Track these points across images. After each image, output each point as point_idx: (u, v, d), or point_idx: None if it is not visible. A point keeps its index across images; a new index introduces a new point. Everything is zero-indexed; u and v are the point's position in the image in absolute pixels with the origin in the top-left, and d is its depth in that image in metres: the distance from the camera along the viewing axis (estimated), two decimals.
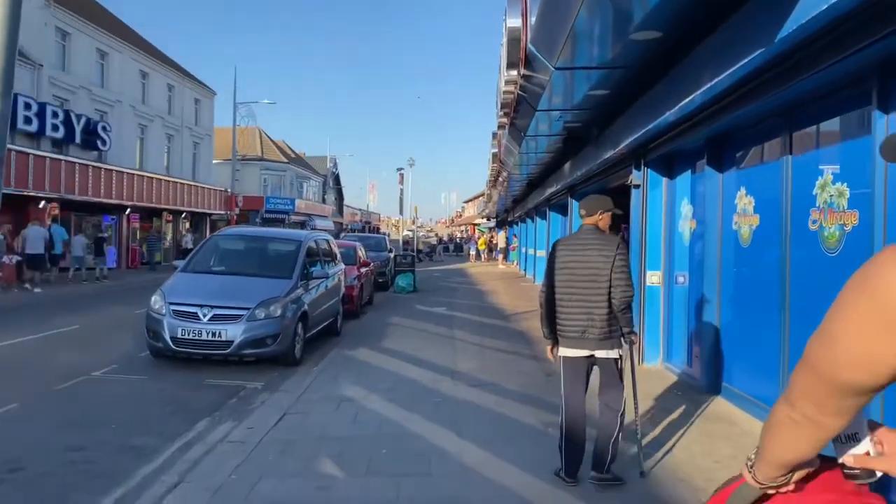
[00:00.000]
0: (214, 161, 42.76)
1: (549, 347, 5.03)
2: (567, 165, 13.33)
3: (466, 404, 7.01)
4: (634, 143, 8.12)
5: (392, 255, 23.47)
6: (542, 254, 23.70)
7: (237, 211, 39.83)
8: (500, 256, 37.34)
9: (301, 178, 57.99)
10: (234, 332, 8.85)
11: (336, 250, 13.13)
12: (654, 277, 8.43)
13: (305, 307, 9.85)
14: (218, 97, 41.90)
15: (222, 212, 38.46)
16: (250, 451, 5.59)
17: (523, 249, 30.74)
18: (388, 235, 47.29)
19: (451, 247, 59.91)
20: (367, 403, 7.05)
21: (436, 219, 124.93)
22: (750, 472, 1.23)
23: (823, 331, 1.01)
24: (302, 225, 53.00)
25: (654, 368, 8.52)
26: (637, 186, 8.68)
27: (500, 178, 20.15)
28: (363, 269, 16.18)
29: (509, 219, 39.72)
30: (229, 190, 39.01)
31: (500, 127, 11.72)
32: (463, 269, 33.84)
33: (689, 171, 8.12)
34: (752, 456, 1.24)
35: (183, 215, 35.11)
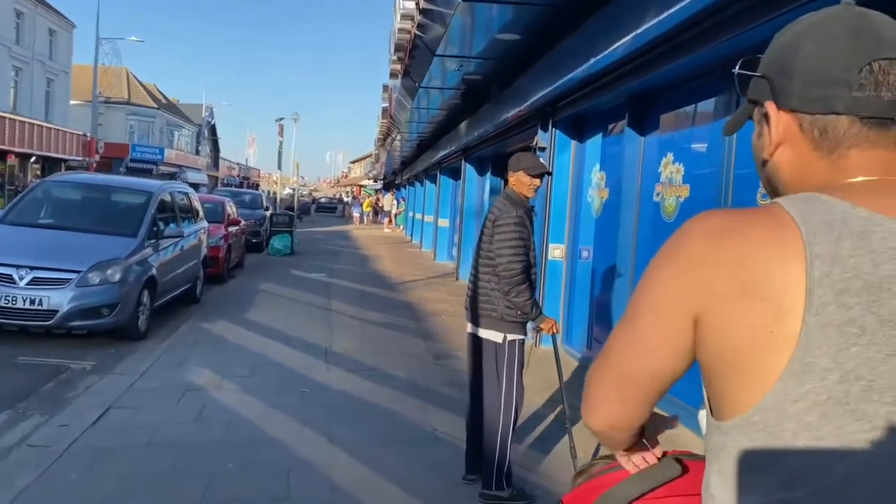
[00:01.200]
0: (73, 102, 38.63)
1: None
2: (463, 125, 12.30)
3: (341, 396, 5.89)
4: (543, 100, 7.17)
5: (268, 213, 21.73)
6: (431, 219, 22.77)
7: (97, 158, 36.12)
8: (387, 220, 36.15)
9: (173, 126, 53.91)
10: (59, 300, 7.26)
11: (198, 206, 11.50)
12: (556, 251, 7.60)
13: (153, 271, 8.32)
14: (78, 30, 37.73)
15: (80, 158, 34.78)
16: (50, 463, 4.23)
17: (410, 214, 29.70)
18: (268, 193, 44.79)
19: (340, 207, 56.65)
20: (217, 394, 5.77)
21: (322, 178, 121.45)
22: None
23: (627, 320, 0.98)
24: (172, 177, 49.23)
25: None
26: (543, 149, 7.77)
27: (390, 138, 18.89)
28: (232, 229, 14.55)
29: (397, 181, 38.52)
30: (88, 134, 35.32)
31: (393, 76, 10.49)
32: (347, 232, 32.38)
33: (601, 135, 7.28)
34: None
35: (32, 160, 31.34)
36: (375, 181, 59.54)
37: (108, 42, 36.80)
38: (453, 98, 10.95)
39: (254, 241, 19.33)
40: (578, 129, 7.48)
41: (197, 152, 60.09)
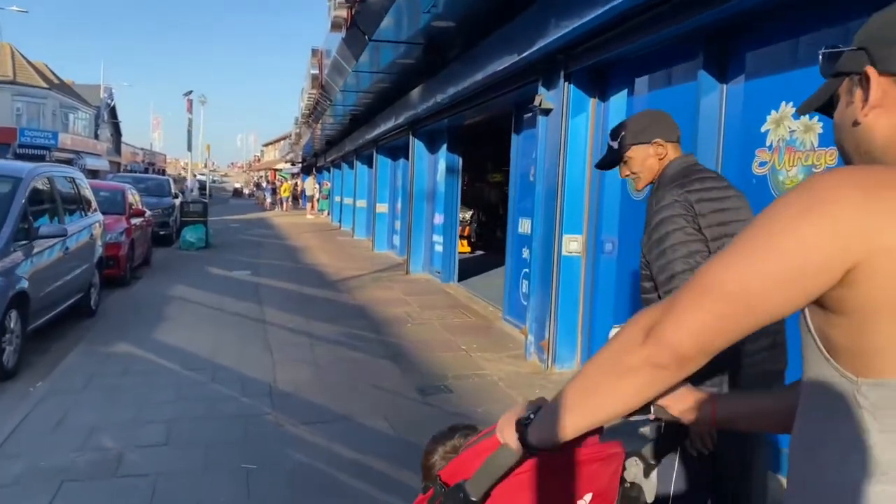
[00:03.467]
0: None
1: None
2: (415, 92, 10.40)
3: (305, 475, 3.96)
4: (556, 45, 5.39)
5: (177, 201, 19.13)
6: (364, 204, 20.73)
7: None
8: (308, 205, 33.69)
9: (67, 108, 49.11)
10: None
11: (90, 194, 9.15)
12: (573, 244, 5.86)
13: (24, 284, 6.10)
14: None
15: None
16: None
17: (338, 199, 27.47)
18: (175, 179, 41.35)
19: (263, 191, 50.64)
20: (112, 485, 3.74)
21: (233, 162, 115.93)
22: (521, 432, 1.16)
23: (747, 251, 0.95)
24: (69, 163, 45.01)
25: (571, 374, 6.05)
26: (547, 112, 6.00)
27: (317, 112, 16.70)
28: (135, 221, 12.15)
29: (319, 164, 36.04)
30: None
31: (335, 26, 8.44)
32: (266, 220, 29.79)
33: (627, 91, 5.57)
34: (530, 415, 1.17)
35: None
36: (293, 164, 56.45)
37: None
38: (408, 56, 9.01)
39: (162, 233, 16.81)
40: (601, 83, 5.73)
41: (96, 137, 55.26)
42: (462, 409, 5.00)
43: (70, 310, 7.82)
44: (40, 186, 7.13)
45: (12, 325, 5.94)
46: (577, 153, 5.81)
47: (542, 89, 6.04)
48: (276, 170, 71.07)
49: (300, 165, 50.83)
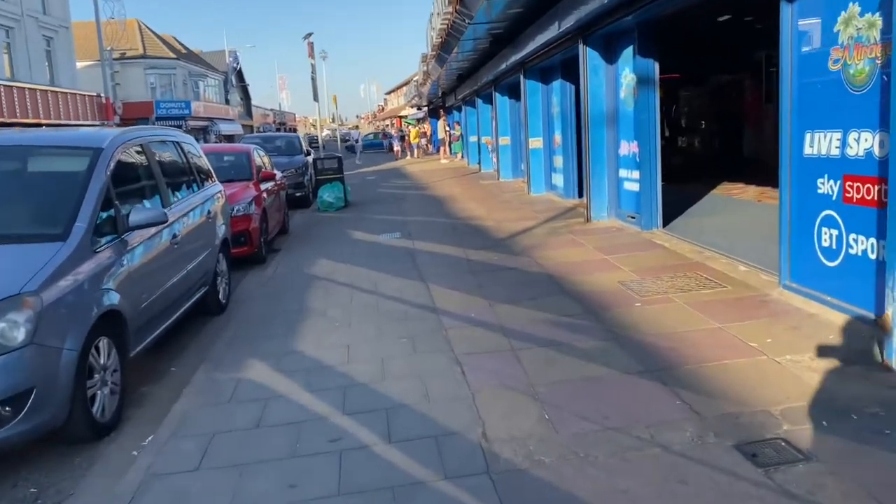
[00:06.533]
0: (84, 64, 34.79)
1: None
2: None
3: None
4: None
5: (310, 158, 17.57)
6: (506, 141, 18.31)
7: (116, 120, 32.38)
8: (442, 150, 31.64)
9: (196, 76, 49.67)
10: None
11: (203, 162, 7.38)
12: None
13: (114, 299, 4.30)
14: None
15: (98, 123, 31.09)
16: None
17: (473, 139, 25.18)
18: (307, 136, 40.75)
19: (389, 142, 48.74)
20: None
21: (357, 114, 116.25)
22: None
23: None
24: (203, 131, 45.70)
25: None
26: None
27: (452, 35, 14.28)
28: (266, 186, 10.46)
29: (448, 104, 33.78)
30: (102, 95, 31.52)
31: None
32: (400, 169, 28.08)
33: None
34: None
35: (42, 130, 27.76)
36: (419, 108, 54.52)
37: None
38: None
39: (297, 195, 15.32)
40: None
41: (227, 102, 56.01)
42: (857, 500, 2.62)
43: (195, 309, 6.14)
44: (130, 159, 5.29)
45: (105, 360, 4.17)
46: None
47: None
48: (401, 117, 69.74)
49: (426, 109, 48.85)
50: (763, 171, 14.74)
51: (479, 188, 17.22)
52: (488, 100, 20.87)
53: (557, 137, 13.23)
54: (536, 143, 14.29)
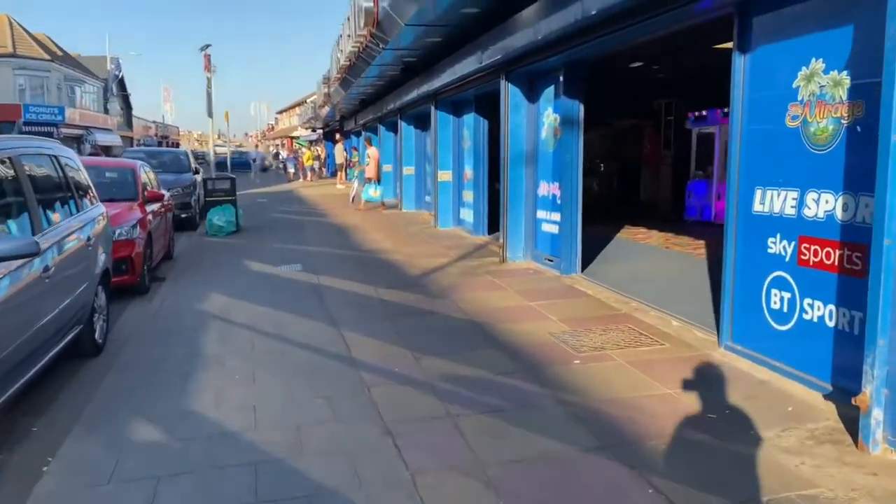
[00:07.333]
0: None
1: None
2: (530, 12, 7.46)
3: None
4: None
5: (198, 177, 16.38)
6: (410, 171, 17.91)
7: None
8: (339, 175, 30.81)
9: (73, 81, 46.28)
10: None
11: (84, 177, 6.41)
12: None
13: None
14: None
15: None
16: None
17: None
18: (196, 155, 38.74)
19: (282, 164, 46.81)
20: None
21: (246, 132, 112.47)
22: None
23: None
24: (78, 140, 42.47)
25: None
26: None
27: (362, 59, 13.69)
28: (152, 207, 9.42)
29: (345, 128, 33.08)
30: None
31: None
32: (295, 192, 27.03)
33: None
34: None
35: None
36: (313, 130, 53.32)
37: None
38: None
39: (183, 216, 14.16)
40: None
41: (106, 111, 52.55)
42: None
43: (66, 351, 5.17)
44: None
45: None
46: None
47: None
48: (292, 138, 68.00)
49: (321, 131, 47.76)
50: (660, 215, 15.15)
51: (381, 217, 16.63)
52: (391, 127, 20.43)
53: (468, 172, 12.91)
54: (445, 175, 13.92)
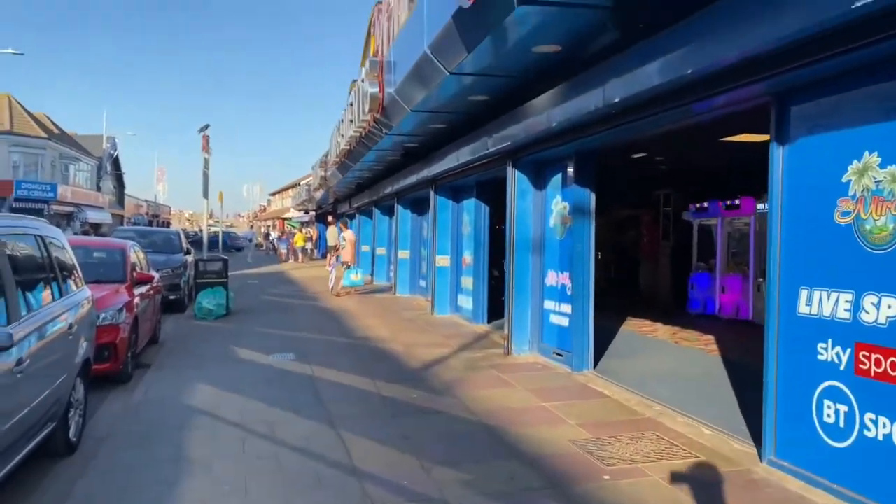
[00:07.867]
0: None
1: None
2: (544, 98, 7.29)
3: None
4: None
5: (189, 258, 15.96)
6: (405, 255, 17.62)
7: None
8: (329, 258, 30.49)
9: (67, 159, 46.42)
10: None
11: (70, 258, 5.99)
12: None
13: None
14: None
15: None
16: None
17: (365, 248, 24.39)
18: (188, 234, 38.44)
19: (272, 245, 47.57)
20: None
21: (238, 213, 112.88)
22: None
23: None
24: (69, 217, 42.18)
25: None
26: None
27: (362, 144, 13.59)
28: (140, 290, 8.96)
29: (338, 211, 33.01)
30: None
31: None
32: (286, 274, 26.62)
33: None
34: None
35: None
36: (306, 212, 53.37)
37: None
38: (544, 40, 5.91)
39: (171, 297, 13.65)
40: None
41: (98, 188, 52.57)
42: None
43: (36, 451, 4.60)
44: None
45: None
46: None
47: None
48: (284, 219, 68.05)
49: (313, 213, 47.77)
50: (660, 307, 14.79)
51: (375, 302, 16.17)
52: (387, 211, 20.27)
53: (467, 258, 12.59)
54: (444, 261, 13.59)
